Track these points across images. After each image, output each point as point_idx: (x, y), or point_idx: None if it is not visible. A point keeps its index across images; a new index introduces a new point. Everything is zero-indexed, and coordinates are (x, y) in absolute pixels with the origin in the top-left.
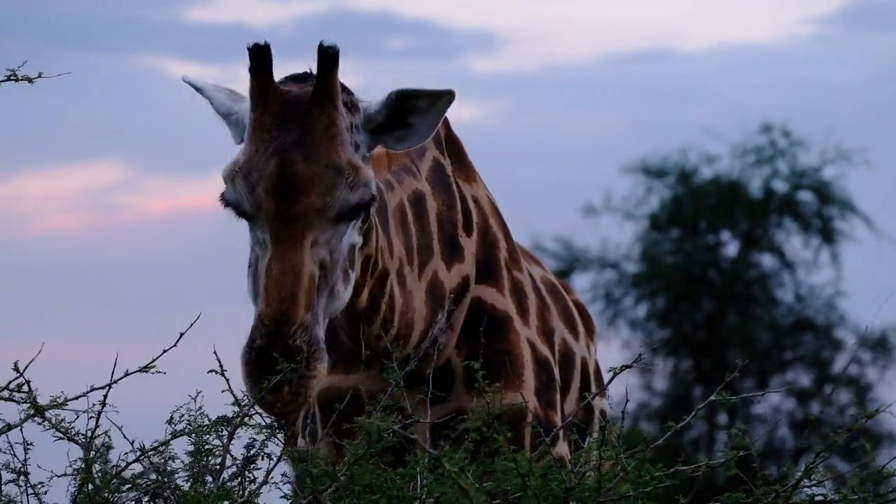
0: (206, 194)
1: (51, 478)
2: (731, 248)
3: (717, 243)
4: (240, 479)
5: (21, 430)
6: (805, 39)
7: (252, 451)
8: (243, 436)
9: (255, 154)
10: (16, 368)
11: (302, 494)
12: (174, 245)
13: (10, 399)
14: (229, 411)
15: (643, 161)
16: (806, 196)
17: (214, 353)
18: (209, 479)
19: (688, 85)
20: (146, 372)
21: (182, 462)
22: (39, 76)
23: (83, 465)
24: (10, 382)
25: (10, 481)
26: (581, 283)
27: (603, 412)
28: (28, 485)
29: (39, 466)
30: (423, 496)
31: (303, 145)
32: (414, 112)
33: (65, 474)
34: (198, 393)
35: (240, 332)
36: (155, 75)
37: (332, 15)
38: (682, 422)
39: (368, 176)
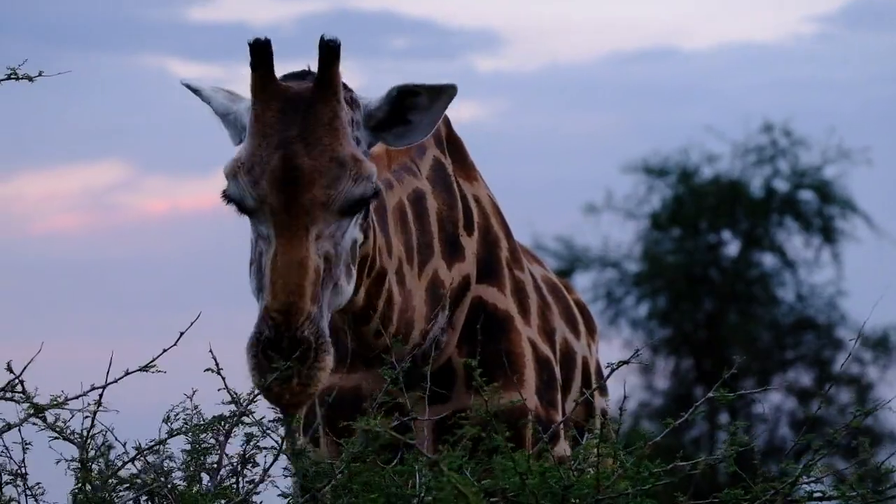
0: (206, 194)
1: (57, 461)
2: (733, 248)
3: (719, 242)
4: (236, 477)
5: (20, 430)
6: (806, 39)
7: (248, 449)
8: (240, 434)
9: (258, 149)
10: (9, 369)
11: (300, 492)
12: (174, 245)
13: (11, 399)
14: (226, 410)
15: (644, 160)
16: (807, 195)
17: (210, 351)
18: (206, 477)
19: (689, 84)
20: (146, 371)
21: (178, 461)
22: (40, 75)
23: (80, 465)
24: (8, 384)
25: (8, 482)
26: (582, 282)
27: (604, 411)
28: (26, 485)
29: (42, 454)
30: (422, 494)
31: (306, 138)
32: (414, 109)
33: (60, 461)
34: (194, 392)
35: (239, 331)
36: (155, 75)
37: (334, 14)
38: (679, 418)
39: (371, 170)
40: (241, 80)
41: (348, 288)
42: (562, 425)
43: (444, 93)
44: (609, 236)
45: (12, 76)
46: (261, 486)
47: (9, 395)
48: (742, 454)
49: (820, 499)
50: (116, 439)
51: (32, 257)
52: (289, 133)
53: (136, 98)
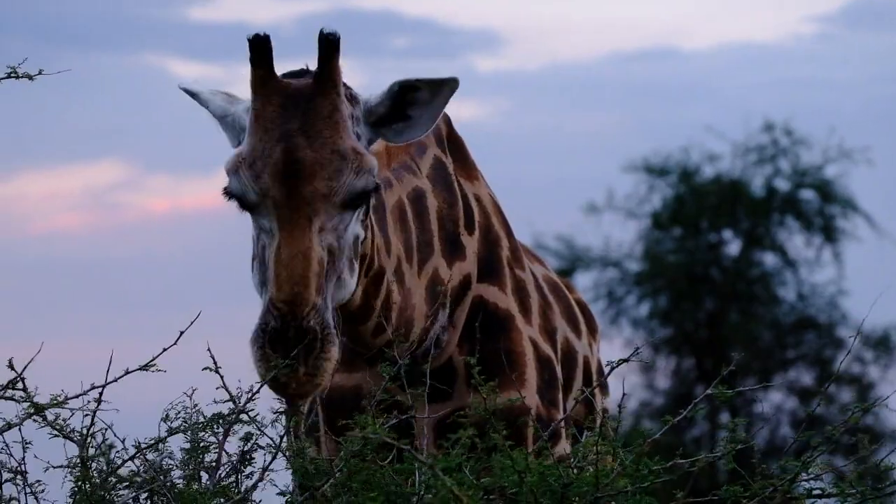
0: (208, 193)
1: (46, 469)
2: (734, 247)
3: (720, 242)
4: (236, 475)
5: (20, 429)
6: (807, 38)
7: (247, 447)
8: (239, 432)
9: (259, 143)
10: (10, 366)
11: (299, 490)
12: (176, 244)
13: (12, 398)
14: (224, 408)
15: (645, 160)
16: (808, 195)
17: (208, 350)
18: (205, 476)
19: (690, 84)
20: (146, 370)
21: (177, 459)
22: (40, 73)
23: (80, 463)
24: (10, 382)
25: (7, 480)
26: (583, 281)
27: (605, 410)
28: (26, 483)
29: (36, 457)
30: (421, 492)
31: (307, 131)
32: (414, 104)
33: (61, 466)
34: (193, 390)
35: (240, 330)
36: (156, 74)
37: (334, 14)
38: (678, 416)
39: (372, 163)
40: (241, 80)
41: (351, 282)
42: (563, 426)
43: (446, 86)
44: (610, 236)
45: (12, 75)
46: (259, 484)
47: (9, 393)
48: (742, 452)
49: (819, 496)
50: (116, 436)
51: (33, 257)
52: (290, 126)
53: (137, 97)
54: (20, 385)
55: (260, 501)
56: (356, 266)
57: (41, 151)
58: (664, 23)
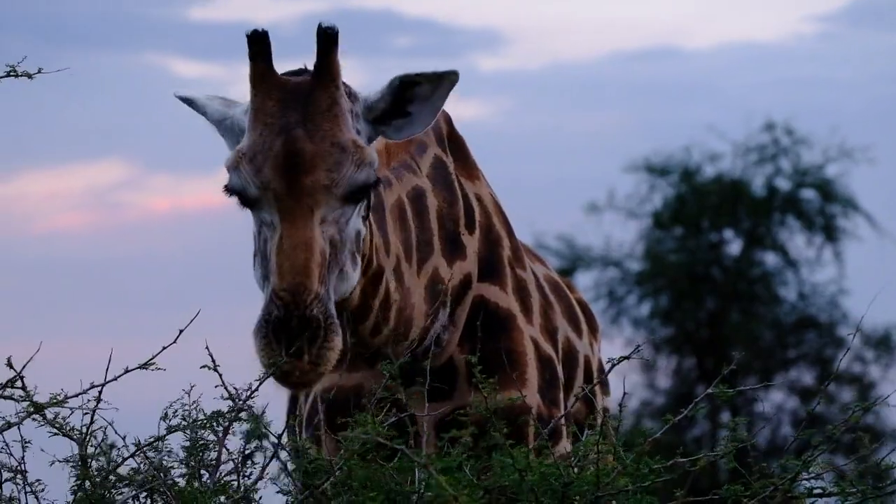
0: (210, 192)
1: (52, 463)
2: (735, 247)
3: (721, 241)
4: (238, 475)
5: (19, 428)
6: (808, 37)
7: (249, 447)
8: (239, 431)
9: (259, 137)
10: (9, 365)
11: (299, 489)
12: (178, 243)
13: (10, 397)
14: (223, 406)
15: (646, 159)
16: (809, 194)
17: (207, 348)
18: (205, 474)
19: (691, 83)
20: (146, 369)
21: (177, 457)
22: (39, 72)
23: (80, 462)
24: (9, 381)
25: (7, 479)
26: (584, 281)
27: (606, 409)
28: (26, 482)
29: (43, 450)
30: (421, 490)
31: (307, 124)
32: (414, 100)
33: (64, 460)
34: (191, 387)
35: (242, 329)
36: (157, 74)
37: (335, 13)
38: (679, 415)
39: (373, 156)
40: (242, 80)
41: (354, 275)
42: (564, 426)
43: (446, 79)
44: (611, 235)
45: (11, 73)
46: (260, 483)
47: (9, 391)
48: (742, 451)
49: (820, 495)
50: (116, 433)
51: (34, 257)
52: (290, 119)
53: (138, 97)
54: (19, 384)
55: (260, 499)
56: (359, 260)
57: (42, 151)
58: (665, 22)
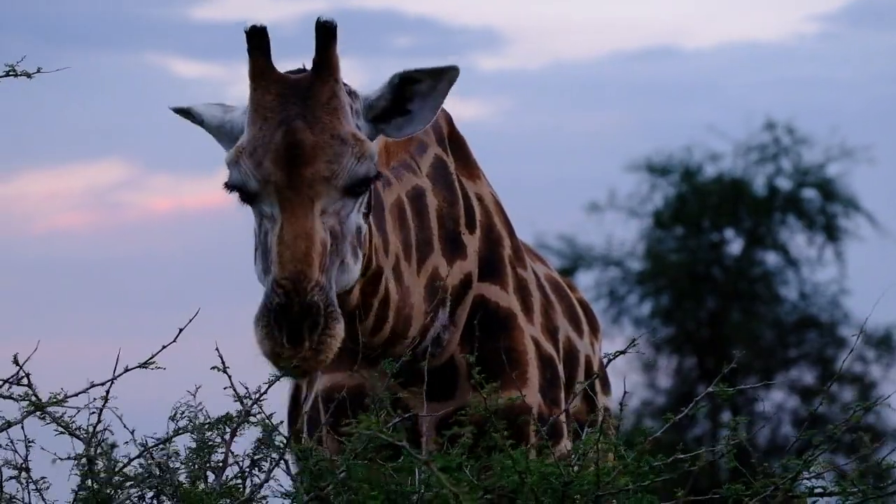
0: (209, 192)
1: (57, 460)
2: (735, 246)
3: (721, 241)
4: (244, 479)
5: (22, 426)
6: (809, 37)
7: (258, 452)
8: (245, 433)
9: (259, 132)
10: (15, 361)
11: (303, 489)
12: (179, 243)
13: (10, 396)
14: (230, 407)
15: (647, 159)
16: (810, 194)
17: (217, 349)
18: (211, 476)
19: (692, 83)
20: (146, 368)
21: (182, 459)
22: (38, 71)
23: (85, 461)
24: (13, 376)
25: (11, 478)
26: (585, 280)
27: (607, 409)
28: (30, 481)
29: (46, 449)
30: (422, 490)
31: (306, 117)
32: (414, 98)
33: (68, 458)
34: (197, 388)
35: (242, 329)
36: (157, 74)
37: (336, 13)
38: (679, 413)
39: (372, 150)
40: (243, 80)
41: (355, 268)
42: (565, 426)
43: (446, 75)
44: (612, 235)
45: (11, 73)
46: (265, 485)
47: (13, 388)
48: (744, 451)
49: (821, 494)
50: (124, 427)
51: (35, 257)
52: (289, 112)
53: (138, 97)
54: (24, 381)
55: (265, 500)
56: (360, 253)
57: (42, 151)
58: (665, 22)
